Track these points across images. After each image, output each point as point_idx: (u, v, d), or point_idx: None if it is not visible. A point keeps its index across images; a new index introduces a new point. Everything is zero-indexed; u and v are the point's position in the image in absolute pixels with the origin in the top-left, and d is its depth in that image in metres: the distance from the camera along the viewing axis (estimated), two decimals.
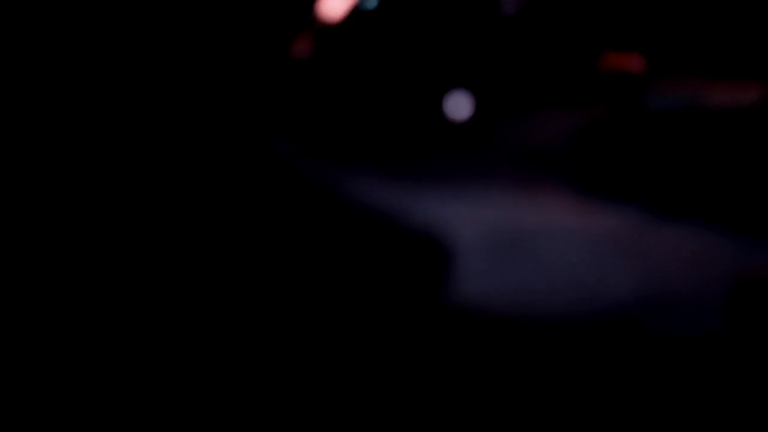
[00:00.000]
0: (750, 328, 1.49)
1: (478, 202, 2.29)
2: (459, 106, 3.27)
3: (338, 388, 1.30)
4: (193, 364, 1.37)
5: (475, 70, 3.42)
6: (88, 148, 1.79)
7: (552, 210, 2.21)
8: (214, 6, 2.03)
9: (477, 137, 3.16)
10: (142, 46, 1.85)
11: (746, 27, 4.81)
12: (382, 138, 3.03)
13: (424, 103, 3.17)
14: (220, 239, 1.72)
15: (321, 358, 1.39)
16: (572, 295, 1.66)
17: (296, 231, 1.75)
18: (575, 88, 4.36)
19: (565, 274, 1.77)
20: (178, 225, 1.74)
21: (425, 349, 1.45)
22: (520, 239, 1.96)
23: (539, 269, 1.79)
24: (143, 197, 1.72)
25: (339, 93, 3.08)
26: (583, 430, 1.24)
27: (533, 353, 1.44)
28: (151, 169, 1.74)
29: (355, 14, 3.14)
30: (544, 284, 1.72)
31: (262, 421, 1.23)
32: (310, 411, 1.24)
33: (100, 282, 1.62)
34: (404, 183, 2.44)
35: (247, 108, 1.94)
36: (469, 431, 1.23)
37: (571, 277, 1.74)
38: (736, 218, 2.08)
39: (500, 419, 1.24)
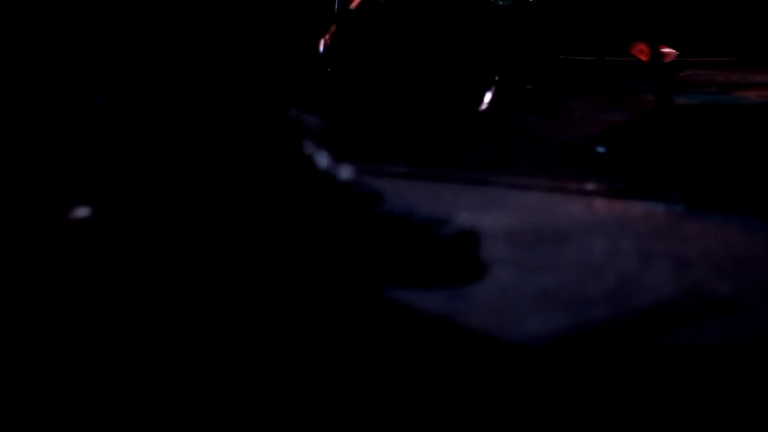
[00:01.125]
0: None
1: (511, 197, 2.23)
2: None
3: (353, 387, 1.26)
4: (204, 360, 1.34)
5: (501, 58, 3.31)
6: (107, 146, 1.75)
7: (589, 204, 2.14)
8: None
9: (505, 129, 3.07)
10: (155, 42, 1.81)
11: None
12: (402, 131, 2.94)
13: (445, 93, 3.06)
14: (240, 239, 1.68)
15: (339, 357, 1.36)
16: (613, 287, 1.61)
17: (315, 226, 1.70)
18: (605, 78, 4.29)
19: (604, 268, 1.71)
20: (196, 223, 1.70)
21: (452, 342, 1.40)
22: (555, 233, 1.90)
23: (575, 266, 1.73)
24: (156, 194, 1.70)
25: (356, 85, 2.99)
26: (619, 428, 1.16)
27: (566, 349, 1.36)
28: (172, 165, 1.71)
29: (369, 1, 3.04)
30: (580, 280, 1.65)
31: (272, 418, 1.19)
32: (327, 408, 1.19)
33: (101, 282, 1.60)
34: (428, 178, 2.38)
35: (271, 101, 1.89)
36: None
37: (611, 271, 1.69)
38: None
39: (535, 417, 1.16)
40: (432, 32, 3.22)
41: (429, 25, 3.20)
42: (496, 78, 3.35)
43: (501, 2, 3.72)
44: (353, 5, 2.88)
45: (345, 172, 1.78)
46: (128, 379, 1.31)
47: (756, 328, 1.52)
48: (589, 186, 2.40)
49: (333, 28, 2.87)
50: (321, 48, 2.54)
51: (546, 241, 1.95)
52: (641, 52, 3.91)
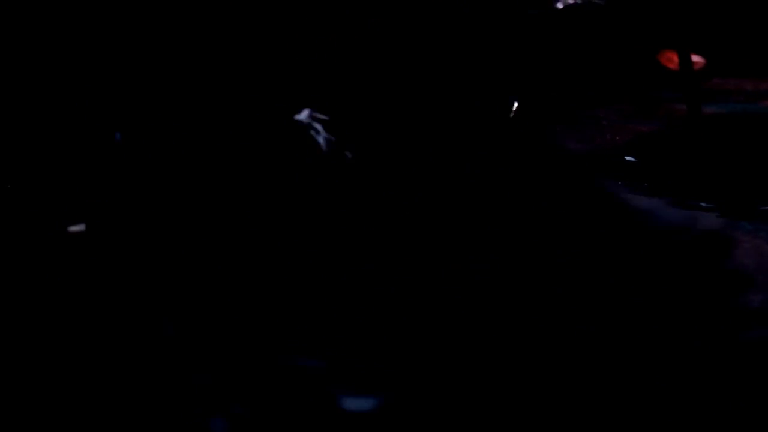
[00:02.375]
0: None
1: (533, 207, 2.22)
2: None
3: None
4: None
5: (523, 66, 3.30)
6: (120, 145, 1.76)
7: (618, 213, 2.12)
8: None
9: (528, 139, 3.05)
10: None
11: None
12: (418, 139, 2.93)
13: (468, 101, 3.05)
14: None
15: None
16: (642, 297, 1.60)
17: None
18: (633, 87, 4.27)
19: (638, 277, 1.70)
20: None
21: (466, 337, 1.37)
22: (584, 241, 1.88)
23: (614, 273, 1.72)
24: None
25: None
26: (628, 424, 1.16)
27: (581, 350, 1.35)
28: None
29: None
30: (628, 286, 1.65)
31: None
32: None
33: (104, 281, 1.60)
34: (451, 188, 2.37)
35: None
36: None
37: (644, 280, 1.68)
38: None
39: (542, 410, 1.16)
40: (460, 36, 3.20)
41: (458, 28, 3.19)
42: (524, 86, 3.33)
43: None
44: None
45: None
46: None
47: None
48: (615, 195, 2.39)
49: None
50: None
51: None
52: (669, 60, 3.89)
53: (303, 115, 1.74)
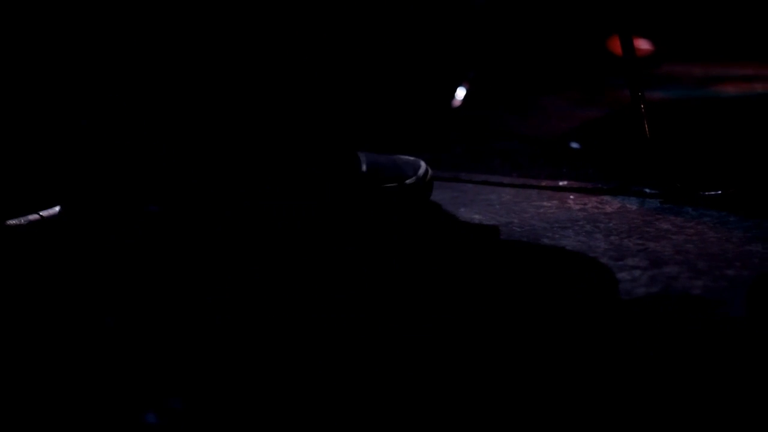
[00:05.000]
0: None
1: (486, 196, 2.20)
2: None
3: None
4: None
5: (472, 55, 3.29)
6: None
7: (564, 201, 2.11)
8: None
9: (479, 125, 3.04)
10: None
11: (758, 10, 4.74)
12: (372, 127, 2.91)
13: (415, 89, 3.04)
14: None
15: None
16: (587, 287, 1.59)
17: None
18: (581, 73, 4.27)
19: (579, 266, 1.69)
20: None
21: (443, 343, 1.39)
22: (532, 231, 1.87)
23: (552, 261, 1.71)
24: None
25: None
26: (595, 424, 1.15)
27: (551, 342, 1.34)
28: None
29: None
30: (558, 275, 1.63)
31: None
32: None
33: (103, 281, 1.61)
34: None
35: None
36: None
37: (585, 270, 1.66)
38: (753, 207, 1.98)
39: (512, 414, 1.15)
40: (406, 28, 3.19)
41: (403, 20, 3.18)
42: (471, 74, 3.32)
43: None
44: None
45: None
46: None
47: (721, 314, 1.51)
48: (562, 182, 2.37)
49: None
50: None
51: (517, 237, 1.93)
52: (617, 46, 3.89)
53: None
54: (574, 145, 2.81)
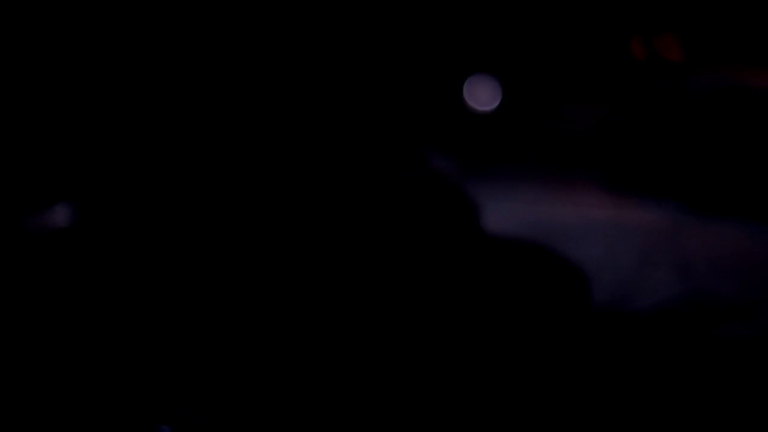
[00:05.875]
0: None
1: (507, 199, 2.19)
2: (483, 93, 3.11)
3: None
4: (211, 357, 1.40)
5: (500, 51, 3.26)
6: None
7: (586, 205, 2.10)
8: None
9: (502, 128, 3.02)
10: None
11: None
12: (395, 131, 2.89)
13: (439, 90, 3.01)
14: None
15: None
16: (608, 292, 1.58)
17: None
18: (605, 74, 4.23)
19: (600, 271, 1.68)
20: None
21: (458, 342, 1.42)
22: (553, 235, 1.87)
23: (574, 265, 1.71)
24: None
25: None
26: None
27: (569, 349, 1.35)
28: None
29: None
30: (580, 281, 1.64)
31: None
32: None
33: (103, 281, 1.64)
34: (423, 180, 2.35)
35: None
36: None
37: (607, 274, 1.66)
38: None
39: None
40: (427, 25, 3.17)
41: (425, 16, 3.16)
42: (503, 75, 3.30)
43: None
44: None
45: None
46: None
47: (746, 324, 1.50)
48: (581, 185, 2.36)
49: None
50: None
51: None
52: (646, 46, 3.86)
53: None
54: (597, 146, 2.78)
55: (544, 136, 3.05)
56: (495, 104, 3.24)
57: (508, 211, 2.10)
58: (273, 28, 1.80)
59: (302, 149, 1.84)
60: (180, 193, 1.77)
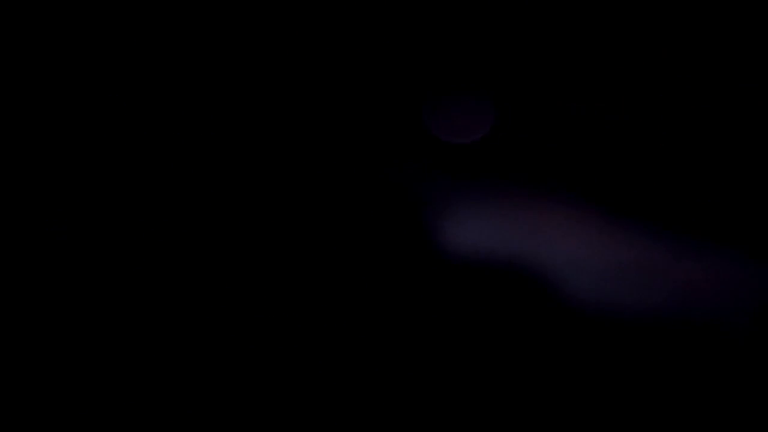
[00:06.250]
0: None
1: (478, 227, 2.22)
2: (471, 117, 3.10)
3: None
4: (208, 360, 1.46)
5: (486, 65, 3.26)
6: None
7: (560, 231, 2.11)
8: None
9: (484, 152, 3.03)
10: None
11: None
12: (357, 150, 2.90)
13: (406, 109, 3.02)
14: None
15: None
16: (590, 319, 1.61)
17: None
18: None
19: (580, 299, 1.70)
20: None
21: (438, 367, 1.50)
22: (528, 263, 1.90)
23: (552, 294, 1.74)
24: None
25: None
26: None
27: (552, 376, 1.50)
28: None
29: None
30: (558, 309, 1.67)
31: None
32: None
33: (102, 281, 1.72)
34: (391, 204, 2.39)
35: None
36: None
37: (587, 303, 1.68)
38: (759, 240, 1.99)
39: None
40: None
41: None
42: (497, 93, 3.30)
43: None
44: None
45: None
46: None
47: (728, 350, 1.52)
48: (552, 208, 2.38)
49: None
50: None
51: None
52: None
53: None
54: (567, 167, 2.80)
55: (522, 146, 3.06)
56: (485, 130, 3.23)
57: (482, 224, 2.12)
58: (273, 29, 1.83)
59: (299, 153, 1.87)
60: (180, 193, 1.80)
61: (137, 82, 1.83)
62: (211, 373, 1.37)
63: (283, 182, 1.85)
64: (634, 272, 1.83)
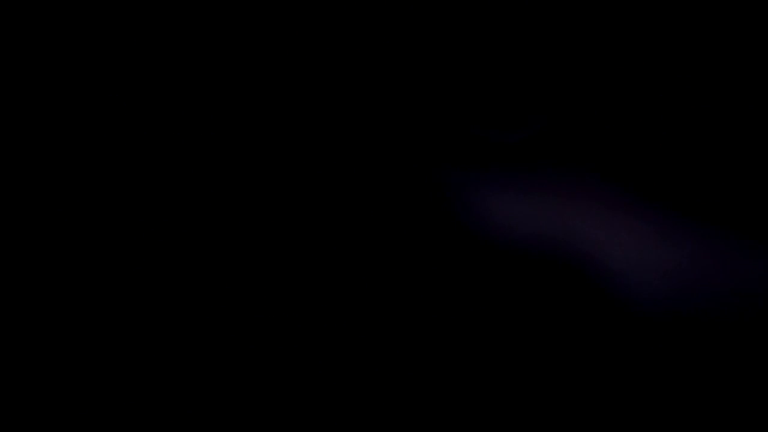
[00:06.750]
0: None
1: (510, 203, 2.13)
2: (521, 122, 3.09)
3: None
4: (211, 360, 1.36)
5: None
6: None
7: (602, 225, 2.09)
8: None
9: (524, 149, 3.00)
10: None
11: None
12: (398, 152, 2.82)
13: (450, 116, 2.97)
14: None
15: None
16: (632, 314, 1.56)
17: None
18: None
19: (632, 293, 1.67)
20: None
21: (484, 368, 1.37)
22: (558, 239, 1.81)
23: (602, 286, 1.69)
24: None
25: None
26: None
27: (572, 351, 1.35)
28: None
29: None
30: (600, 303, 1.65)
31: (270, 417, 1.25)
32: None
33: (101, 281, 1.54)
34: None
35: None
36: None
37: (636, 298, 1.64)
38: None
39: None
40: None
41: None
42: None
43: None
44: None
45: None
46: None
47: None
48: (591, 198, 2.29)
49: None
50: None
51: None
52: None
53: None
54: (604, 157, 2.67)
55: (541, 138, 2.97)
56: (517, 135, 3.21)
57: (510, 215, 2.06)
58: (273, 30, 1.72)
59: (303, 153, 1.75)
60: (180, 194, 1.69)
61: (137, 82, 1.66)
62: (211, 374, 1.37)
63: (307, 177, 1.66)
64: (686, 269, 1.74)
